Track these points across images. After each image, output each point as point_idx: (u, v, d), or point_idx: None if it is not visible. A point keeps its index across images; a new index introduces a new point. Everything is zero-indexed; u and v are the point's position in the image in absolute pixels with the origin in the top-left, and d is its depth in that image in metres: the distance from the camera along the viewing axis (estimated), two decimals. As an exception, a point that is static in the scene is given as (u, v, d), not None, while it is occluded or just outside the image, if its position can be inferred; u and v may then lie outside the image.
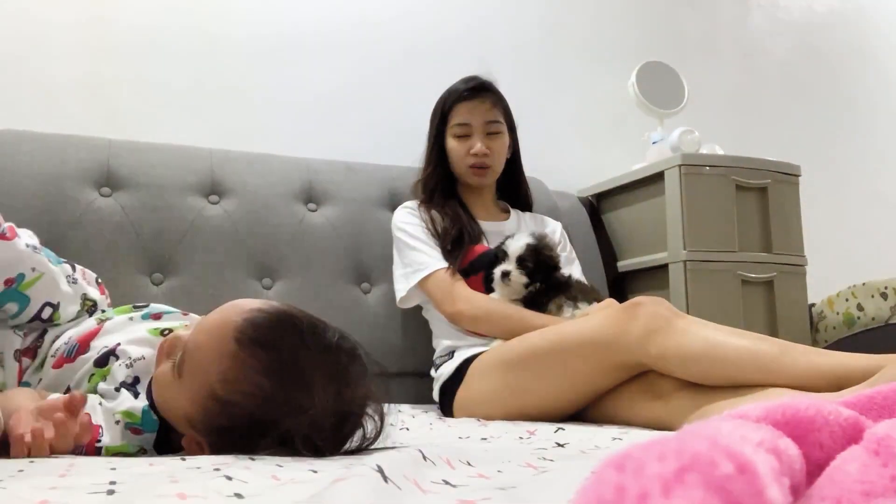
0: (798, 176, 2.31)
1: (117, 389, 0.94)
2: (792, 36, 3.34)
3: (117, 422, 0.90)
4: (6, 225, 1.04)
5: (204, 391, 0.84)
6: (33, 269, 1.04)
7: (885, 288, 2.38)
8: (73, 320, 1.13)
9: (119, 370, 0.96)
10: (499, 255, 1.74)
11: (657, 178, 2.24)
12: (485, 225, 1.91)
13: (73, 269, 1.20)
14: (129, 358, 0.98)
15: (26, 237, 1.10)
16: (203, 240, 1.86)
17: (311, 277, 1.94)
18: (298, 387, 0.83)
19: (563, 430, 1.26)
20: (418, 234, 1.85)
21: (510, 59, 2.63)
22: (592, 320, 1.43)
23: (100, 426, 0.89)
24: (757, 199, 2.22)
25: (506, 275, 1.69)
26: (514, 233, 1.87)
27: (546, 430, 1.26)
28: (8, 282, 1.01)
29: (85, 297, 1.17)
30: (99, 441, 0.88)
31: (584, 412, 1.49)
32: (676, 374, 1.31)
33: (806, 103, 3.30)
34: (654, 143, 2.42)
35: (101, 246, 1.74)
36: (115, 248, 1.76)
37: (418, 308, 1.90)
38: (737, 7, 3.24)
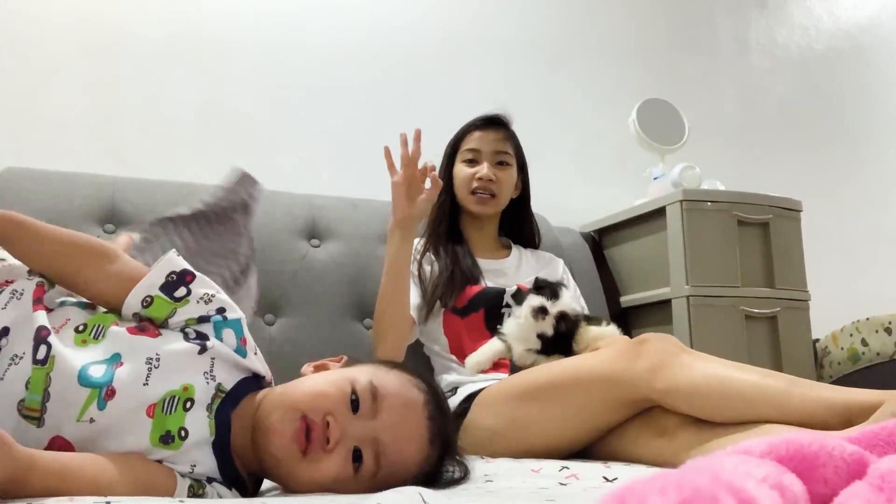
0: (799, 211, 2.32)
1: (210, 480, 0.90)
2: (791, 73, 3.38)
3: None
4: None
5: (394, 482, 0.87)
6: None
7: (889, 323, 2.37)
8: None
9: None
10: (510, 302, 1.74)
11: (659, 213, 2.25)
12: (483, 263, 1.91)
13: None
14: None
15: None
16: (206, 276, 1.86)
17: (314, 313, 1.94)
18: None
19: (568, 468, 1.25)
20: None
21: (512, 94, 2.65)
22: (599, 356, 1.42)
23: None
24: (759, 235, 2.23)
25: (542, 311, 1.56)
26: (514, 271, 1.87)
27: (551, 467, 1.25)
28: None
29: None
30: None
31: (588, 449, 1.48)
32: (683, 410, 1.29)
33: (806, 139, 3.32)
34: (655, 178, 2.43)
35: (105, 282, 1.74)
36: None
37: (421, 345, 1.90)
38: (736, 45, 3.28)
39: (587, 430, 1.44)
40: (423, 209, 1.73)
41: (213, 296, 0.99)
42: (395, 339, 1.71)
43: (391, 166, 1.72)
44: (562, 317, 1.57)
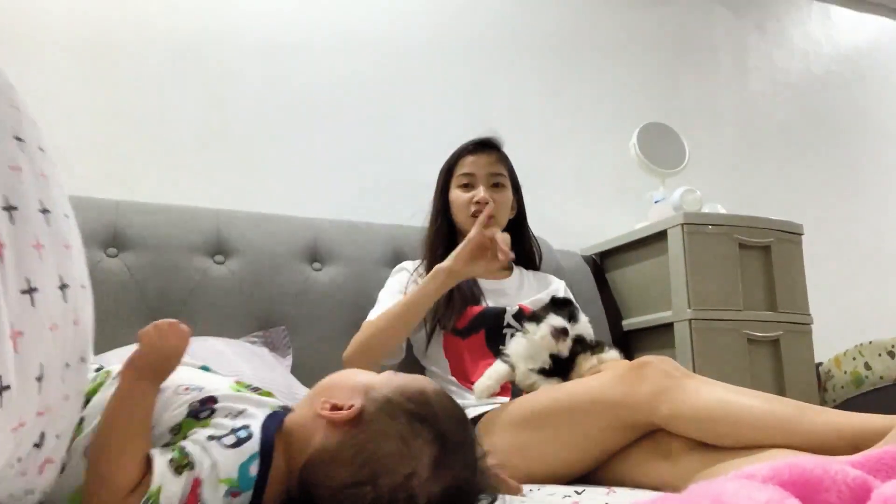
0: (801, 234, 2.32)
1: (210, 438, 0.89)
2: (791, 97, 3.40)
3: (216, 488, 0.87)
4: None
5: None
6: None
7: (893, 346, 2.36)
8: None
9: (224, 422, 0.93)
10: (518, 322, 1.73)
11: (660, 236, 2.25)
12: (484, 283, 1.91)
13: None
14: (230, 413, 0.96)
15: None
16: (208, 300, 1.86)
17: (316, 337, 1.94)
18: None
19: (569, 496, 1.24)
20: (394, 291, 1.86)
21: (513, 119, 2.67)
22: (601, 379, 1.41)
23: (200, 480, 0.86)
24: (760, 258, 2.23)
25: (564, 332, 1.55)
26: (515, 291, 1.87)
27: (553, 493, 1.24)
28: None
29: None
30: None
31: (591, 473, 1.46)
32: (689, 435, 1.28)
33: (806, 163, 3.33)
34: (656, 202, 2.44)
35: (107, 306, 1.74)
36: (120, 308, 1.76)
37: (422, 368, 1.89)
38: (736, 69, 3.30)
39: (590, 455, 1.43)
40: (473, 274, 1.74)
41: None
42: (375, 358, 1.73)
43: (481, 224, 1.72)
44: (578, 341, 1.57)
